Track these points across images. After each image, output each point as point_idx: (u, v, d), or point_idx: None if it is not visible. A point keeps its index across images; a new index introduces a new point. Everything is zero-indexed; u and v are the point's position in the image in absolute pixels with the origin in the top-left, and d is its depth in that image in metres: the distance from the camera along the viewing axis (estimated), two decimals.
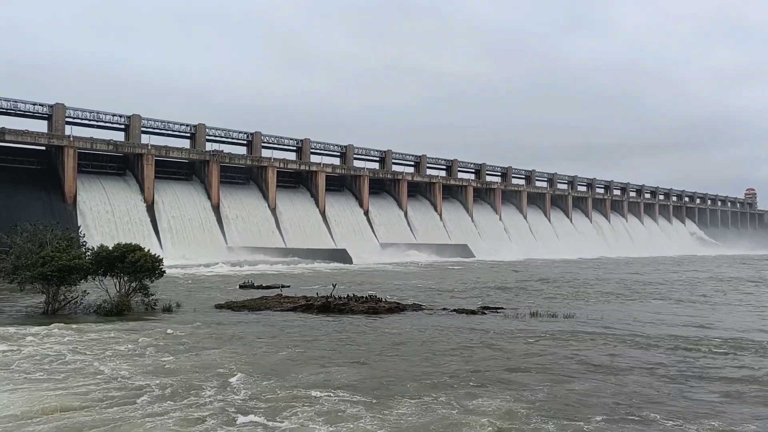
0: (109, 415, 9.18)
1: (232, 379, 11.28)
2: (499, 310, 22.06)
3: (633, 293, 29.81)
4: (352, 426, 8.78)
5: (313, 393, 10.34)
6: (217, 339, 15.73)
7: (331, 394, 10.28)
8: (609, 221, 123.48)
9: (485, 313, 21.22)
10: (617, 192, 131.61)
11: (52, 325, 17.31)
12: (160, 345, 14.76)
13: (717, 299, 27.27)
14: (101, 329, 17.03)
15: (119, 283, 21.61)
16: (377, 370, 12.25)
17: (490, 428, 8.65)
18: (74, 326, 17.40)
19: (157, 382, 11.07)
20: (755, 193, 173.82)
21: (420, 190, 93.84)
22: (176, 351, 14.05)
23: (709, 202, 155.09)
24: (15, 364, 12.61)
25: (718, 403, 10.03)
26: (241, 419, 9.01)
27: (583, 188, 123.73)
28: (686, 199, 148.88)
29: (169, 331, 16.77)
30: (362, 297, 23.56)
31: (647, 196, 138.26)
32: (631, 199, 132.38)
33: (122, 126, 66.39)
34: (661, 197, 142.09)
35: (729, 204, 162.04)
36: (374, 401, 9.92)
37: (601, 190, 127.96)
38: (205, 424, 8.82)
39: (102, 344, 14.85)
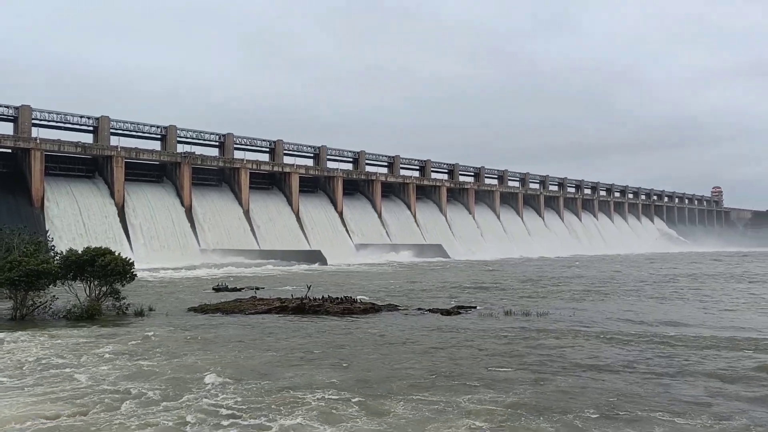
0: (95, 420, 9.03)
1: (218, 382, 11.18)
2: (473, 309, 22.18)
3: (605, 291, 30.24)
4: (349, 426, 8.79)
5: (302, 394, 10.29)
6: (196, 342, 15.52)
7: (321, 395, 10.25)
8: (580, 220, 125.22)
9: (460, 313, 21.31)
10: (588, 191, 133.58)
11: (24, 331, 16.95)
12: (137, 350, 14.50)
13: (689, 295, 27.80)
14: (75, 334, 16.71)
15: (89, 287, 21.19)
16: (361, 371, 12.23)
17: (485, 424, 8.73)
18: (47, 332, 17.03)
19: (142, 386, 10.92)
20: (721, 192, 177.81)
21: (394, 190, 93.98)
22: (155, 355, 13.83)
23: (677, 200, 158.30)
24: None
25: (703, 397, 10.17)
26: (231, 422, 8.94)
27: (555, 188, 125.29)
28: (655, 197, 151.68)
29: (145, 335, 16.50)
30: (337, 298, 23.49)
31: (617, 194, 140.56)
32: (601, 198, 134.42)
33: (91, 128, 65.23)
34: (631, 196, 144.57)
35: (696, 202, 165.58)
36: (365, 401, 9.93)
37: (572, 190, 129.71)
38: (196, 428, 8.72)
39: (78, 350, 14.53)
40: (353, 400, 9.96)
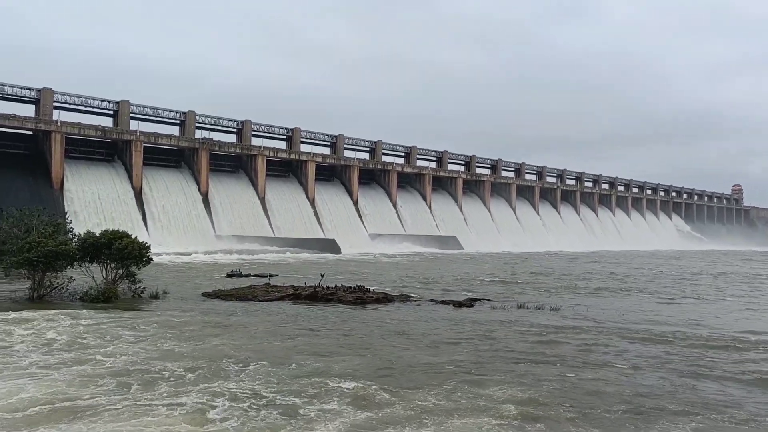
0: (132, 401, 9.19)
1: (246, 366, 11.35)
2: (485, 302, 22.15)
3: (622, 288, 30.02)
4: (387, 411, 8.93)
5: (330, 381, 10.44)
6: (216, 327, 15.71)
7: (349, 383, 10.37)
8: (597, 215, 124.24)
9: (472, 305, 21.29)
10: (605, 186, 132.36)
11: (44, 311, 17.27)
12: (161, 333, 14.70)
13: (708, 295, 27.44)
14: (97, 316, 16.93)
15: (106, 270, 21.46)
16: (382, 360, 12.35)
17: (514, 413, 8.86)
18: (67, 313, 17.29)
19: (171, 367, 11.13)
20: (741, 189, 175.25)
21: (410, 181, 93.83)
22: (178, 338, 14.02)
23: (696, 197, 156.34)
24: (18, 350, 12.57)
25: (734, 395, 10.12)
26: (268, 405, 9.13)
27: (572, 182, 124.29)
28: (673, 194, 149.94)
29: (166, 318, 16.74)
30: (350, 287, 23.57)
31: (635, 190, 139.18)
32: (619, 194, 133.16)
33: (111, 112, 65.75)
34: (649, 192, 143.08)
35: (716, 200, 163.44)
36: (393, 389, 10.06)
37: (590, 184, 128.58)
38: (235, 411, 8.87)
39: (102, 331, 14.72)
40: (382, 388, 10.09)
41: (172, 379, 10.47)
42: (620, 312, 20.47)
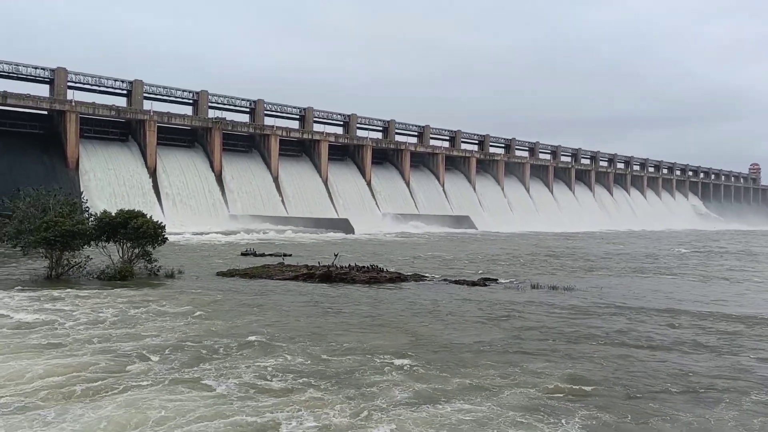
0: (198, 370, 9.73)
1: (291, 345, 11.53)
2: (499, 282, 22.14)
3: (637, 268, 29.86)
4: (440, 385, 9.13)
5: (373, 358, 10.67)
6: (242, 305, 16.03)
7: (392, 359, 10.55)
8: (612, 195, 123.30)
9: (486, 284, 21.30)
10: (620, 165, 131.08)
11: (67, 289, 17.67)
12: (189, 310, 14.96)
13: (732, 276, 27.17)
14: (122, 294, 17.36)
15: (122, 249, 21.68)
16: (418, 337, 12.50)
17: (568, 387, 9.11)
18: (91, 290, 17.75)
19: (211, 345, 11.47)
20: (759, 169, 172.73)
21: (423, 160, 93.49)
22: (211, 317, 14.29)
23: (712, 176, 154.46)
24: (63, 327, 12.91)
25: None
26: (327, 377, 9.45)
27: (587, 161, 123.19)
28: (690, 173, 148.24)
29: (191, 296, 17.11)
30: (364, 267, 23.66)
31: (651, 169, 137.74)
32: (634, 173, 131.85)
33: (124, 91, 65.93)
34: (665, 171, 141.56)
35: (733, 179, 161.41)
36: (440, 365, 10.25)
37: (605, 164, 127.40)
38: (292, 382, 9.22)
39: (133, 309, 15.03)
40: (427, 364, 10.28)
41: (223, 352, 10.93)
42: (643, 292, 20.31)
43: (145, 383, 8.99)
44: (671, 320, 14.92)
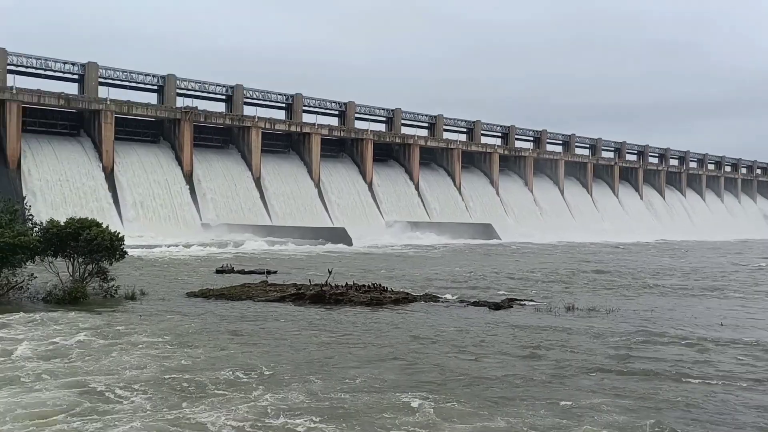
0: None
1: (279, 377, 11.85)
2: (527, 303, 22.12)
3: (700, 288, 29.78)
4: (482, 424, 9.49)
5: (400, 394, 10.92)
6: (220, 332, 16.22)
7: (422, 394, 10.86)
8: (663, 197, 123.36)
9: (512, 306, 21.28)
10: (674, 162, 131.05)
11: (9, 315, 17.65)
12: (156, 340, 15.05)
13: None
14: (77, 319, 17.41)
15: (72, 265, 21.74)
16: (441, 371, 12.73)
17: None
18: (35, 316, 17.79)
19: (192, 380, 11.59)
20: None
21: (435, 157, 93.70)
22: (191, 344, 14.49)
23: None
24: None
25: None
26: (346, 416, 9.76)
27: (633, 157, 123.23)
28: (758, 171, 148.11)
29: (159, 324, 17.18)
30: (363, 285, 23.68)
31: (710, 167, 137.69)
32: (690, 171, 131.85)
33: (76, 76, 66.30)
34: (728, 169, 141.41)
35: None
36: (475, 402, 10.55)
37: (655, 160, 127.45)
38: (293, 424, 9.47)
39: (92, 336, 15.11)
40: (460, 401, 10.53)
41: (222, 387, 11.22)
42: (708, 317, 20.18)
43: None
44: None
